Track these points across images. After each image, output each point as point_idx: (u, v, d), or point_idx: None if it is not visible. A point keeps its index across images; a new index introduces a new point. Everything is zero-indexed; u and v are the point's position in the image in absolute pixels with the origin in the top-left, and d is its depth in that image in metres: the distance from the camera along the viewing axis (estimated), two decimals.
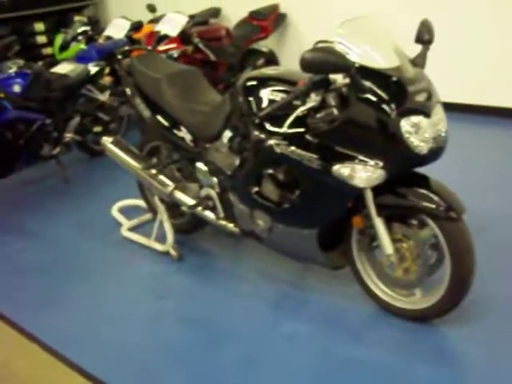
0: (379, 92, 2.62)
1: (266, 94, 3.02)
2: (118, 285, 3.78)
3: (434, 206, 2.73)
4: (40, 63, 6.17)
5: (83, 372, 2.97)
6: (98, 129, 5.89)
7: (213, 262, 3.91)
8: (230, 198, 3.45)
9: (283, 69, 3.18)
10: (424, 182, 2.84)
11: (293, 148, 2.88)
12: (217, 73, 7.05)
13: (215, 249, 4.06)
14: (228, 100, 3.32)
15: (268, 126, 2.99)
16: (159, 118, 3.73)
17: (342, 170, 2.73)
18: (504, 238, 3.83)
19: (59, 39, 7.49)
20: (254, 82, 3.13)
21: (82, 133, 5.79)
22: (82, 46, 6.81)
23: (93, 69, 5.79)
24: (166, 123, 3.71)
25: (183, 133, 3.62)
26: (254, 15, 7.39)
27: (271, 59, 7.47)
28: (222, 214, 3.57)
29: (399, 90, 2.64)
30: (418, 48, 2.97)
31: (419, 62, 2.90)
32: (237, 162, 3.27)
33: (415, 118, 2.63)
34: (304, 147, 2.85)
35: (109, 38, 6.81)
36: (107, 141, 4.04)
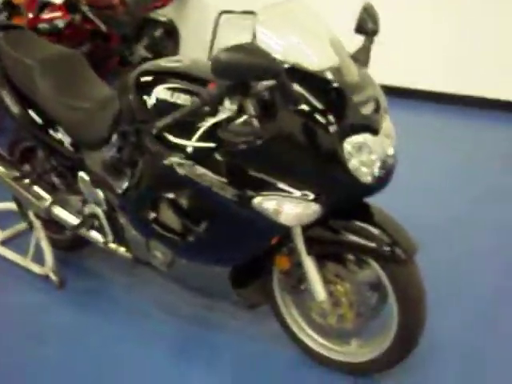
0: (315, 102, 1.99)
1: (165, 95, 2.31)
2: None
3: (375, 244, 2.18)
4: None
5: None
6: None
7: (103, 290, 3.22)
8: (120, 220, 2.76)
9: (189, 61, 2.46)
10: (363, 211, 2.28)
11: (200, 170, 2.21)
12: (109, 45, 6.25)
13: (106, 272, 3.37)
14: (117, 96, 2.60)
15: (167, 139, 2.30)
16: (31, 114, 2.96)
17: (264, 203, 2.10)
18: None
19: None
20: (150, 78, 2.42)
21: None
22: None
23: None
24: (39, 121, 2.95)
25: (61, 134, 2.88)
26: None
27: (170, 30, 6.76)
28: (110, 237, 2.88)
29: (340, 100, 2.03)
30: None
31: (362, 57, 2.30)
32: (127, 179, 2.58)
33: (360, 137, 2.03)
34: (214, 169, 2.19)
35: None
36: None
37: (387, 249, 2.16)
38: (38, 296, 3.18)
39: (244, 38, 5.87)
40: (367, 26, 2.32)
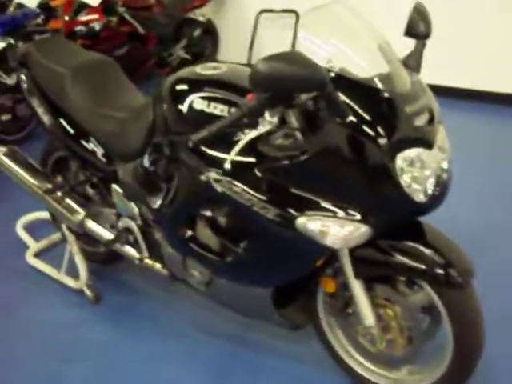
0: (363, 113, 1.82)
1: (201, 105, 2.16)
2: (8, 341, 2.90)
3: (427, 266, 1.99)
4: None
5: None
6: (6, 117, 4.95)
7: (139, 305, 3.08)
8: (156, 236, 2.62)
9: (227, 67, 2.29)
10: (414, 228, 2.09)
11: (238, 186, 2.05)
12: (146, 47, 6.13)
13: (143, 286, 3.23)
14: (151, 105, 2.45)
15: (204, 153, 2.14)
16: (62, 123, 2.83)
17: (309, 224, 1.93)
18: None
19: None
20: (185, 86, 2.27)
21: None
22: None
23: None
24: (71, 131, 2.82)
25: (93, 145, 2.75)
26: None
27: (209, 30, 6.64)
28: (146, 253, 2.75)
29: (391, 111, 1.85)
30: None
31: (413, 63, 2.11)
32: (162, 193, 2.43)
33: (413, 152, 1.85)
34: (254, 186, 2.03)
35: (20, 5, 5.77)
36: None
37: (440, 271, 1.97)
38: (72, 311, 3.06)
39: (284, 37, 5.79)
40: (418, 28, 2.12)
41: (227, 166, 1.96)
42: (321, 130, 1.87)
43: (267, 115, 1.88)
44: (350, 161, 1.85)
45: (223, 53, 7.00)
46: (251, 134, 1.91)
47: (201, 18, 6.56)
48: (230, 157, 1.95)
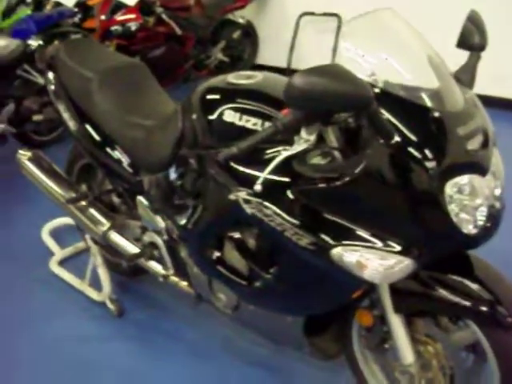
0: (410, 134, 1.63)
1: (233, 117, 1.99)
2: (21, 359, 2.76)
3: (472, 303, 1.79)
4: None
5: None
6: (38, 117, 4.86)
7: (163, 323, 2.94)
8: (182, 253, 2.46)
9: (262, 76, 2.11)
10: (460, 260, 1.89)
11: (270, 208, 1.87)
12: (184, 48, 5.99)
13: (168, 301, 3.08)
14: (180, 114, 2.29)
15: (234, 170, 1.97)
16: (88, 129, 2.69)
17: (346, 256, 1.74)
18: None
19: (2, 2, 6.33)
20: (216, 96, 2.10)
21: (18, 123, 4.74)
22: (29, 11, 5.68)
23: (32, 44, 4.72)
24: (97, 138, 2.67)
25: (119, 153, 2.60)
26: None
27: (249, 32, 6.47)
28: (171, 270, 2.59)
29: (441, 132, 1.66)
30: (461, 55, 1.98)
31: (466, 78, 1.91)
32: (189, 210, 2.27)
33: (465, 178, 1.66)
34: (287, 209, 1.85)
35: (58, 4, 5.68)
36: (24, 156, 3.00)
37: (487, 309, 1.78)
38: (94, 324, 2.95)
39: (326, 41, 5.59)
40: (473, 39, 1.92)
41: (258, 186, 1.79)
42: (362, 150, 1.69)
43: (303, 132, 1.70)
44: (394, 186, 1.67)
45: (262, 56, 6.83)
46: (286, 153, 1.73)
47: (240, 20, 6.42)
48: (262, 176, 1.77)
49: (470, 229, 1.68)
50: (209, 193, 2.12)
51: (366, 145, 1.68)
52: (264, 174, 1.75)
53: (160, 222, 2.51)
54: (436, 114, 1.66)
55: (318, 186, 1.75)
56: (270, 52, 6.78)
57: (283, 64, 6.49)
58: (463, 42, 1.94)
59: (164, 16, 5.65)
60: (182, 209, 2.30)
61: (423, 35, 1.84)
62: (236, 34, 6.48)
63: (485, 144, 1.74)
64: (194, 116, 2.14)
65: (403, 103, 1.66)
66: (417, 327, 1.99)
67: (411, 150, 1.63)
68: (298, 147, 1.71)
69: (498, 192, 1.76)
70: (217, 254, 2.20)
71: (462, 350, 1.99)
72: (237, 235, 2.10)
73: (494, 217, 1.73)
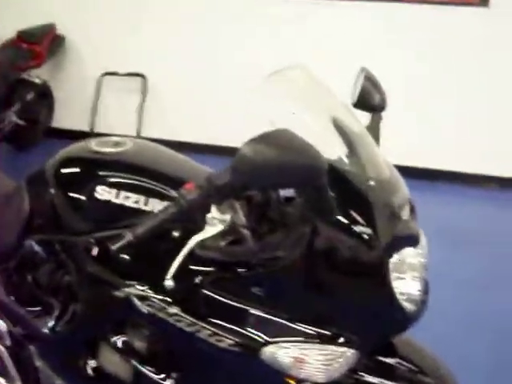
0: (352, 211, 1.41)
1: (108, 194, 1.64)
2: None
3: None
4: None
5: None
6: None
7: None
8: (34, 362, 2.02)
9: (132, 143, 1.79)
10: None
11: (178, 307, 1.53)
12: None
13: None
14: (25, 193, 1.87)
15: (122, 260, 1.61)
16: None
17: (279, 353, 1.46)
18: None
19: None
20: (82, 169, 1.76)
21: None
22: None
23: None
24: None
25: None
26: (24, 36, 5.78)
27: (43, 93, 5.99)
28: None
29: (380, 203, 1.46)
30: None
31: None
32: (50, 310, 1.85)
33: (407, 251, 1.47)
34: (200, 306, 1.53)
35: None
36: None
37: None
38: None
39: (130, 101, 5.33)
40: (373, 100, 1.77)
41: (169, 281, 1.44)
42: (289, 229, 1.44)
43: (215, 210, 1.41)
44: (336, 268, 1.44)
45: (59, 119, 6.35)
46: (197, 237, 1.42)
47: (36, 80, 5.93)
48: (173, 268, 1.44)
49: (410, 306, 1.50)
50: (81, 288, 1.73)
51: (294, 223, 1.44)
52: (175, 266, 1.42)
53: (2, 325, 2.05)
54: (373, 183, 1.46)
55: (240, 275, 1.47)
56: (68, 114, 6.34)
57: (82, 127, 6.07)
58: (362, 104, 1.79)
59: None
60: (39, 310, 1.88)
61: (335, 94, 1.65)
62: (30, 96, 5.97)
63: (411, 212, 1.58)
64: (51, 194, 1.76)
65: (338, 174, 1.44)
66: None
67: (354, 227, 1.40)
68: (211, 229, 1.41)
69: (425, 263, 1.60)
70: (92, 362, 1.79)
71: None
72: (122, 338, 1.72)
73: (426, 290, 1.57)
